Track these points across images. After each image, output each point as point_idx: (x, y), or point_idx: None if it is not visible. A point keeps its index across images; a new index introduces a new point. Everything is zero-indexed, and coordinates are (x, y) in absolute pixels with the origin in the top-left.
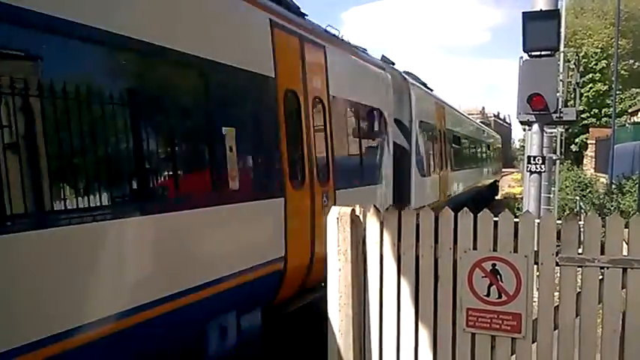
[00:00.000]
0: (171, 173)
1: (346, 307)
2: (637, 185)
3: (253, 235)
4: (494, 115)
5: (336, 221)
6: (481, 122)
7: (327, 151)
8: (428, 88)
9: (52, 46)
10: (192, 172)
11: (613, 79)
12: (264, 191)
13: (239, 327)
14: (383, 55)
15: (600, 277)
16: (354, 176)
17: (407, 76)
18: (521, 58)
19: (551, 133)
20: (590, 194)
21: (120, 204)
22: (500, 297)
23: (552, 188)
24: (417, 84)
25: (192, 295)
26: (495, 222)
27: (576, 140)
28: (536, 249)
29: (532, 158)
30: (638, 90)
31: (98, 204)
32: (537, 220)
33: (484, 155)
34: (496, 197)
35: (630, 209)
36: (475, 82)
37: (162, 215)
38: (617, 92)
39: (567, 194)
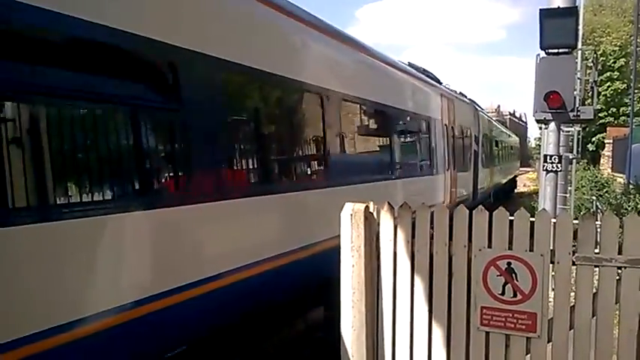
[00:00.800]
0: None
1: (359, 303)
2: None
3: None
4: (510, 114)
5: (350, 217)
6: (496, 121)
7: (452, 152)
8: (476, 104)
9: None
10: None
11: (632, 77)
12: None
13: None
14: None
15: (617, 277)
16: (464, 166)
17: (476, 106)
18: (538, 55)
19: (568, 131)
20: (606, 194)
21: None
22: (515, 296)
23: (569, 188)
24: (480, 108)
25: None
26: (511, 220)
27: (593, 139)
28: (552, 248)
29: (548, 157)
30: None
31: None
32: (553, 219)
33: (509, 153)
34: (515, 190)
35: None
36: (490, 80)
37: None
38: (635, 91)
39: (583, 194)
